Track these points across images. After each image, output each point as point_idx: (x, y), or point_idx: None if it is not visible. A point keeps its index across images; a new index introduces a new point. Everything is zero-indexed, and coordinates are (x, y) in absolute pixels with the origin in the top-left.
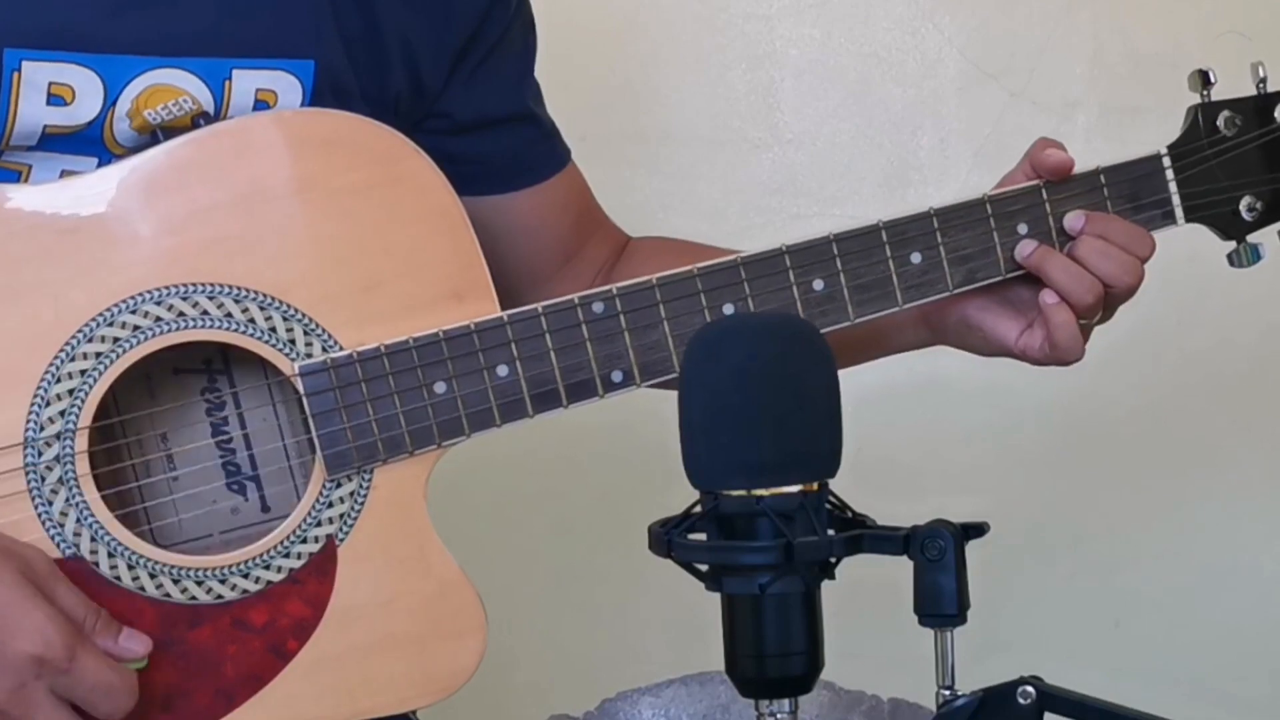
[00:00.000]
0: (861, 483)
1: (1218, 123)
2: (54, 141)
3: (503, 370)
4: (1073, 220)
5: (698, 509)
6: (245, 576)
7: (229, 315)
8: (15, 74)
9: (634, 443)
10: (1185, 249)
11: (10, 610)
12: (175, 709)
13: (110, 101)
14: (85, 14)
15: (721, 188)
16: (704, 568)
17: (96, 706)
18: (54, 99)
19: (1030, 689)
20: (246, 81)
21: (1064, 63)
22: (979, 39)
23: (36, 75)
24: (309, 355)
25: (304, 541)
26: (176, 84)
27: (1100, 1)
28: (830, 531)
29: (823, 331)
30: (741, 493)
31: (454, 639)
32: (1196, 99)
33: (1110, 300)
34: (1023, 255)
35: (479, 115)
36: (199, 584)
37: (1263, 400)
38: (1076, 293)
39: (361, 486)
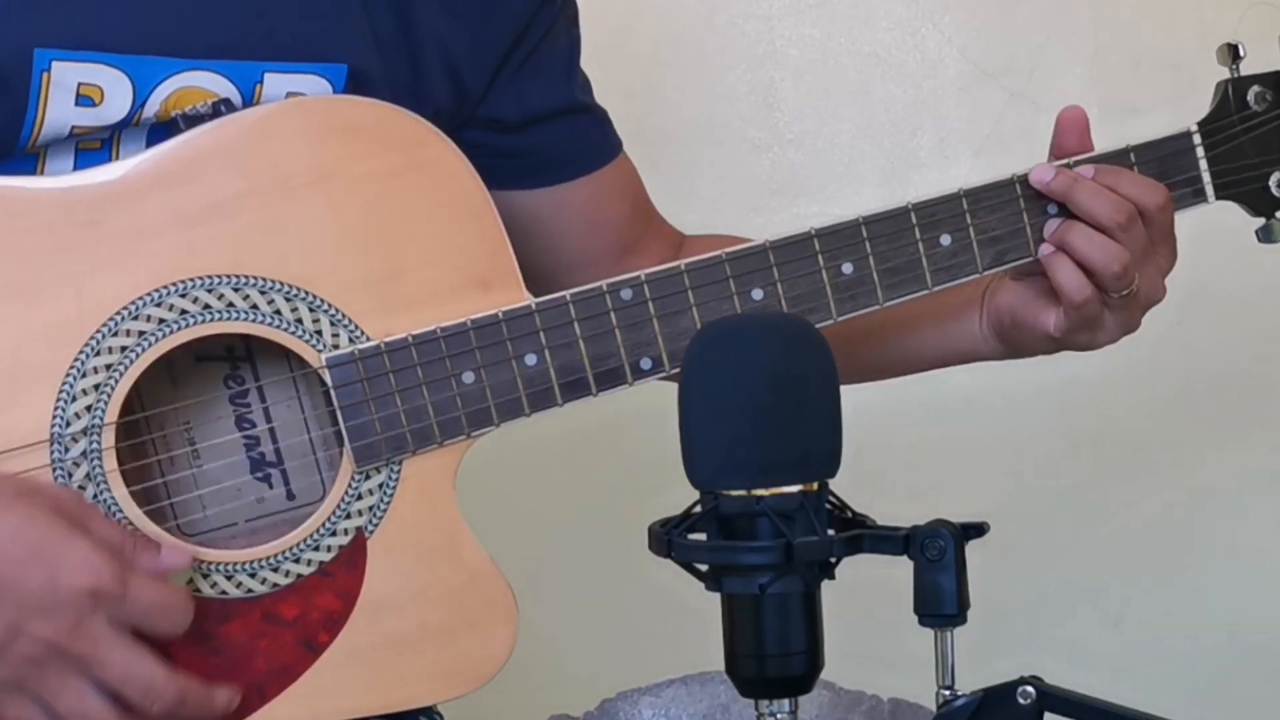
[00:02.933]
0: (861, 483)
1: (1248, 98)
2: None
3: (531, 359)
4: (1041, 174)
5: (698, 509)
6: (275, 570)
7: (255, 307)
8: (45, 74)
9: (634, 443)
10: (1184, 250)
11: (52, 546)
12: None
13: (139, 103)
14: (116, 14)
15: (721, 188)
16: (704, 568)
17: (157, 626)
18: (82, 99)
19: (1030, 689)
20: (278, 84)
21: (1064, 63)
22: (979, 39)
23: (66, 76)
24: (336, 346)
25: (333, 534)
26: (206, 86)
27: (1100, 1)
28: (830, 531)
29: (857, 314)
30: (741, 493)
31: (485, 629)
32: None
33: (1147, 268)
34: (1048, 233)
35: (527, 114)
36: (229, 578)
37: (1264, 400)
38: (1100, 259)
39: (390, 478)
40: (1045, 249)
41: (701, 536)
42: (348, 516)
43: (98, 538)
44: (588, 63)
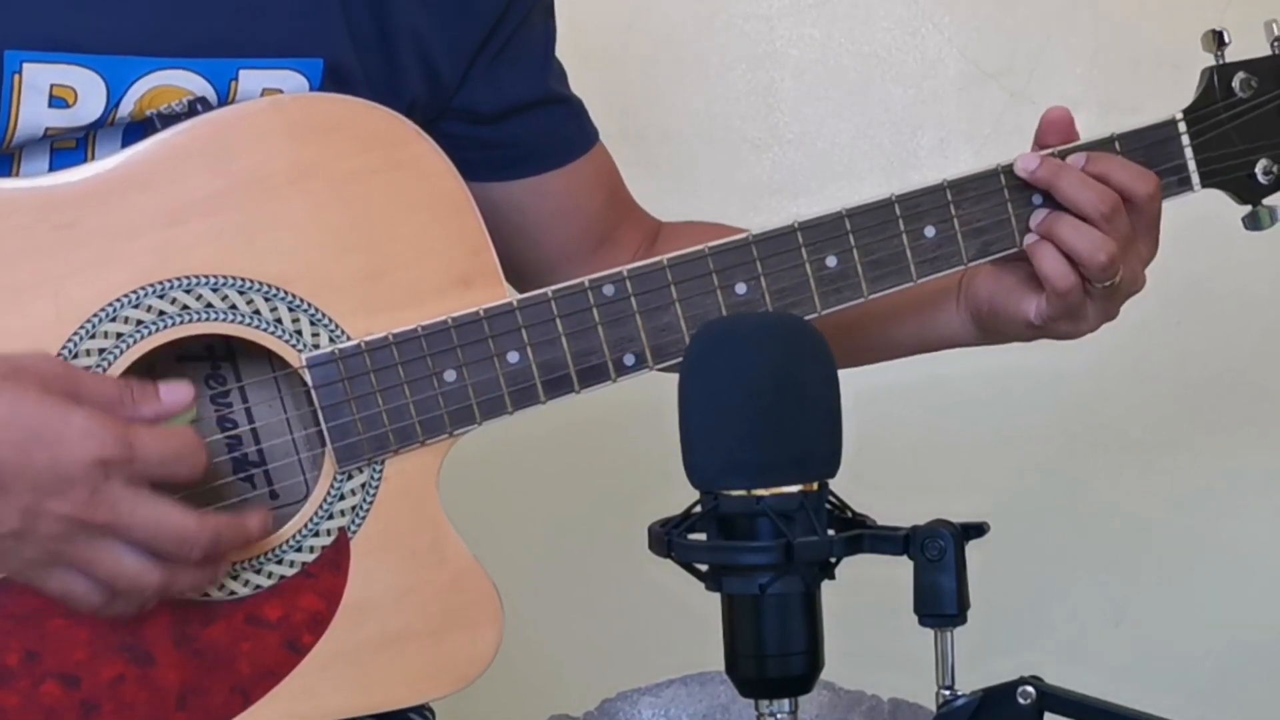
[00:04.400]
0: (861, 483)
1: (1233, 84)
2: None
3: (513, 356)
4: (1026, 162)
5: (698, 509)
6: (258, 572)
7: (234, 307)
8: (16, 76)
9: (634, 443)
10: (1182, 248)
11: (49, 424)
12: (191, 707)
13: (114, 103)
14: (87, 15)
15: (721, 188)
16: (704, 568)
17: (175, 476)
18: (56, 101)
19: (1030, 689)
20: (253, 81)
21: (1064, 63)
22: (979, 39)
23: (38, 78)
24: (316, 346)
25: (316, 535)
26: (181, 84)
27: (1100, 1)
28: (830, 531)
29: (841, 307)
30: (741, 493)
31: (470, 629)
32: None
33: (1129, 258)
34: (1034, 224)
35: (502, 105)
36: None
37: (1263, 400)
38: (1086, 249)
39: (373, 478)
40: (1030, 238)
41: (701, 536)
42: (330, 517)
43: (92, 403)
44: (588, 61)
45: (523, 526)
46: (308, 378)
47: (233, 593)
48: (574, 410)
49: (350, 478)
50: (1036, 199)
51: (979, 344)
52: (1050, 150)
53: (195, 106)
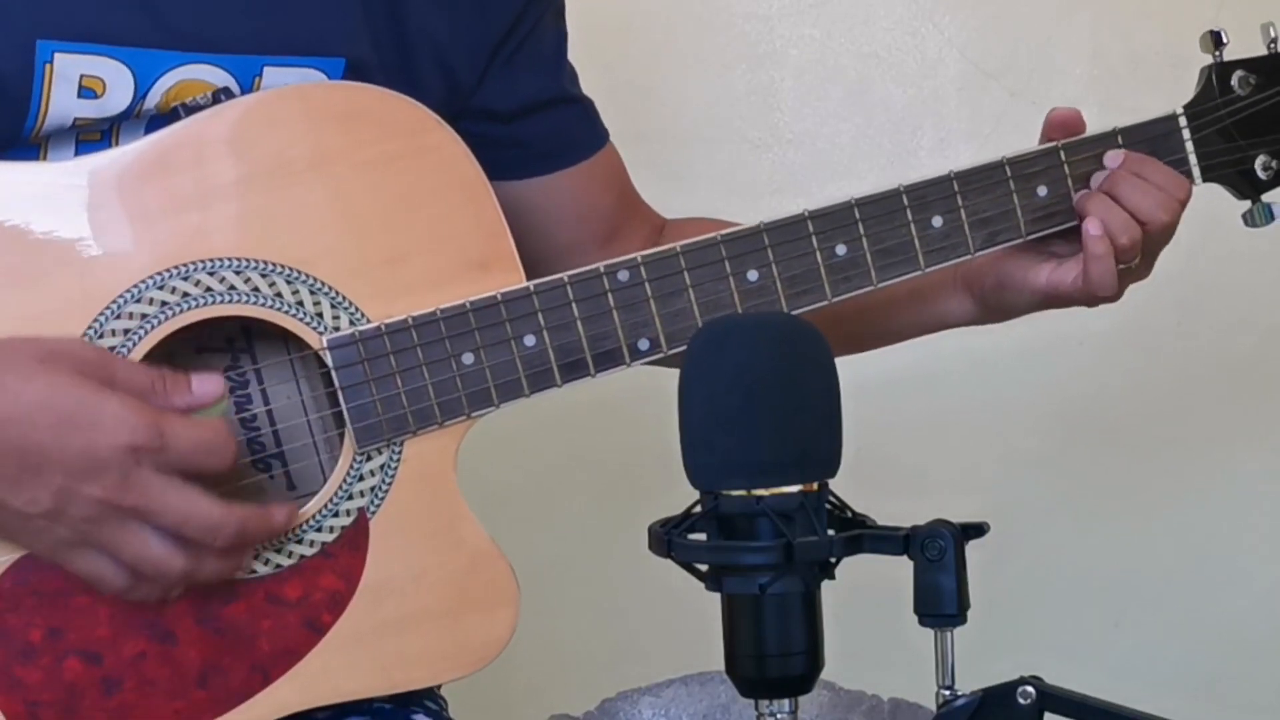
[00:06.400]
0: (861, 483)
1: (1231, 82)
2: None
3: (530, 340)
4: (1112, 158)
5: (698, 509)
6: (278, 551)
7: (256, 290)
8: (48, 66)
9: (634, 443)
10: (1184, 246)
11: (83, 410)
12: (212, 685)
13: (140, 95)
14: (117, 7)
15: (721, 188)
16: (704, 568)
17: (203, 466)
18: (85, 91)
19: (1030, 689)
20: (277, 78)
21: (1064, 63)
22: (979, 39)
23: (68, 68)
24: (336, 328)
25: (336, 515)
26: (207, 79)
27: (1100, 1)
28: (830, 531)
29: (851, 295)
30: (741, 493)
31: (486, 611)
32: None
33: (1148, 245)
34: (1094, 183)
35: (518, 104)
36: None
37: (1263, 400)
38: (1113, 230)
39: (392, 459)
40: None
41: (702, 536)
42: (350, 498)
43: (126, 390)
44: (589, 62)
45: (522, 526)
46: (329, 359)
47: (253, 571)
48: (573, 409)
49: (370, 459)
50: (1041, 190)
51: (979, 323)
52: (1053, 143)
53: (219, 98)
